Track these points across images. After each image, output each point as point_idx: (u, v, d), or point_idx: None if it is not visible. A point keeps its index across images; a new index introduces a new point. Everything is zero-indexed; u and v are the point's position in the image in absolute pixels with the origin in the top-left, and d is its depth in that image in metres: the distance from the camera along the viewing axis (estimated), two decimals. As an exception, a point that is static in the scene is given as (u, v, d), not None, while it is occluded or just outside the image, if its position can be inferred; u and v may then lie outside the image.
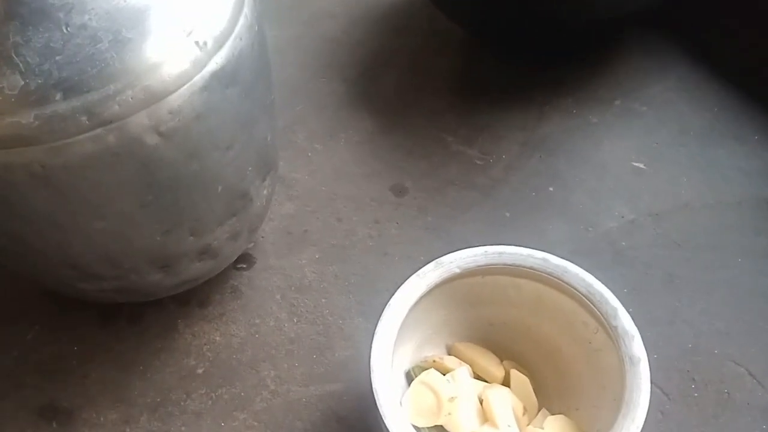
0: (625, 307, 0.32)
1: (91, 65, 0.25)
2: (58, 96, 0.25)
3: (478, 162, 0.46)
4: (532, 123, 0.48)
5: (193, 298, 0.40)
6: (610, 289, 0.32)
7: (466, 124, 0.48)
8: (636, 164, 0.45)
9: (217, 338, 0.39)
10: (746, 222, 0.42)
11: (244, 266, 0.41)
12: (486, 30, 0.50)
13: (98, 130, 0.26)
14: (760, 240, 0.41)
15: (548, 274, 0.34)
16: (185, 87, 0.27)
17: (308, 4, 0.56)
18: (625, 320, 0.32)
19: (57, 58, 0.25)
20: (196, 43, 0.27)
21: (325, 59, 0.52)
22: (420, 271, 0.34)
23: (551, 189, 0.44)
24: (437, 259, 0.34)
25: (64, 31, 0.25)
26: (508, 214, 0.43)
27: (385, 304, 0.31)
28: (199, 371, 0.37)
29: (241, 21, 0.29)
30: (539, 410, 0.34)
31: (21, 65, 0.25)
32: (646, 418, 0.28)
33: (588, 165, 0.46)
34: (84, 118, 0.25)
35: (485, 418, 0.33)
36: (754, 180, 0.44)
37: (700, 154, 0.45)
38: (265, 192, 0.37)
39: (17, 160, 0.25)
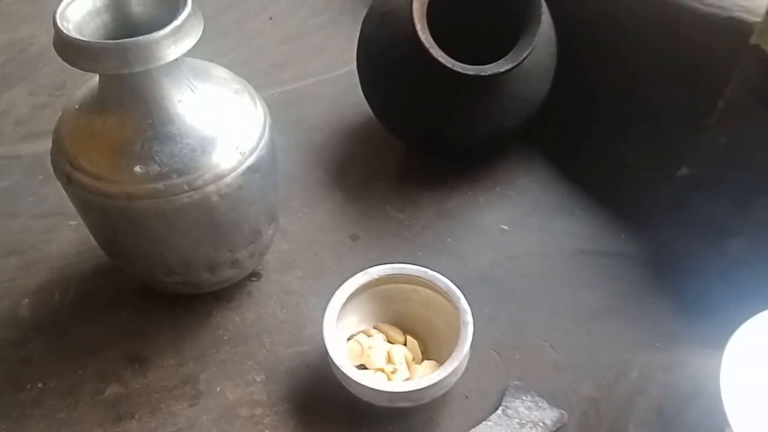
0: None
1: (190, 162, 0.51)
2: (174, 176, 0.51)
3: (406, 223, 0.72)
4: (442, 200, 0.75)
5: (223, 296, 0.65)
6: (475, 299, 0.56)
7: (400, 199, 0.75)
8: (503, 227, 0.72)
9: (237, 319, 0.64)
10: (564, 263, 0.68)
11: (255, 279, 0.67)
12: (413, 141, 0.78)
13: (190, 192, 0.52)
14: (570, 273, 0.67)
15: (428, 281, 0.59)
16: (234, 173, 0.53)
17: (304, 121, 0.84)
18: (464, 303, 0.57)
19: (175, 158, 0.51)
20: (240, 152, 0.54)
21: (313, 158, 0.80)
22: (352, 277, 0.59)
23: (449, 240, 0.70)
24: (365, 270, 0.60)
25: (179, 146, 0.52)
26: (420, 254, 0.69)
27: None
28: (225, 338, 0.62)
29: (264, 139, 0.56)
30: (422, 360, 0.59)
31: (158, 161, 0.51)
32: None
33: (473, 227, 0.72)
34: (185, 186, 0.51)
35: (389, 360, 0.58)
36: (573, 238, 0.70)
37: (543, 222, 0.72)
38: (270, 233, 0.63)
39: (151, 205, 0.51)
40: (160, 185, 0.51)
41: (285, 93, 0.89)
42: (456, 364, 0.53)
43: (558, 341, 0.61)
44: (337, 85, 0.90)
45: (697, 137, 0.61)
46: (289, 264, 0.68)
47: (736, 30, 0.57)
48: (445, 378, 0.53)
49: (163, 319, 0.63)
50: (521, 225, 0.72)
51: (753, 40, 0.53)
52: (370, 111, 0.78)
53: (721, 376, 0.41)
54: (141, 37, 0.47)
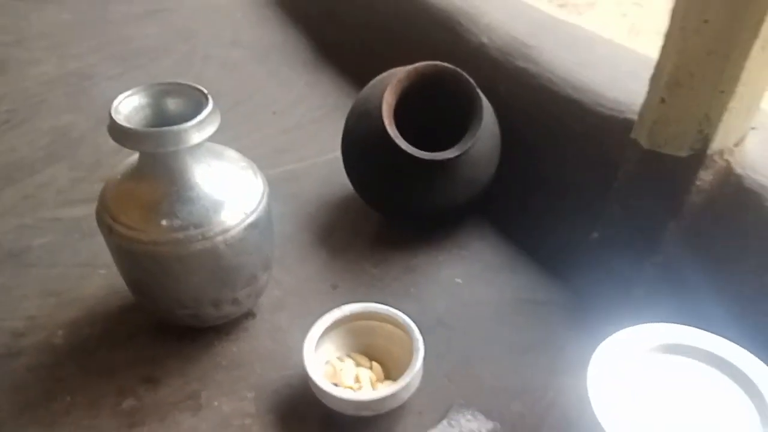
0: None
1: (205, 218, 0.67)
2: (191, 228, 0.67)
3: (378, 276, 0.87)
4: (408, 258, 0.90)
5: (223, 330, 0.79)
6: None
7: (375, 258, 0.90)
8: (458, 280, 0.87)
9: (234, 349, 0.78)
10: (506, 309, 0.82)
11: (251, 317, 0.81)
12: (386, 211, 0.95)
13: (204, 241, 0.67)
14: (512, 318, 0.81)
15: (390, 317, 0.74)
16: (238, 228, 0.69)
17: (298, 195, 1.02)
18: (417, 333, 0.71)
19: (193, 215, 0.67)
20: (244, 213, 0.70)
21: (304, 224, 0.96)
22: (329, 312, 0.74)
23: (412, 290, 0.85)
24: (339, 307, 0.74)
25: (196, 206, 0.68)
26: (389, 300, 0.83)
27: (312, 323, 0.72)
28: (224, 364, 0.76)
29: (262, 204, 0.72)
30: (384, 380, 0.73)
31: (180, 217, 0.67)
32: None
33: (433, 280, 0.87)
34: (200, 236, 0.67)
35: (357, 380, 0.71)
36: (514, 289, 0.85)
37: (491, 277, 0.87)
38: (265, 277, 0.78)
39: (173, 250, 0.67)
40: (180, 235, 0.67)
41: (285, 172, 1.07)
42: (408, 379, 0.67)
43: (496, 370, 0.75)
44: (327, 167, 1.08)
45: (602, 209, 0.77)
46: (280, 306, 0.83)
47: (628, 127, 0.74)
48: (400, 391, 0.66)
49: (173, 347, 0.77)
50: (473, 279, 0.87)
51: (632, 135, 0.70)
52: (352, 187, 0.95)
53: (588, 378, 0.54)
54: (173, 127, 0.64)
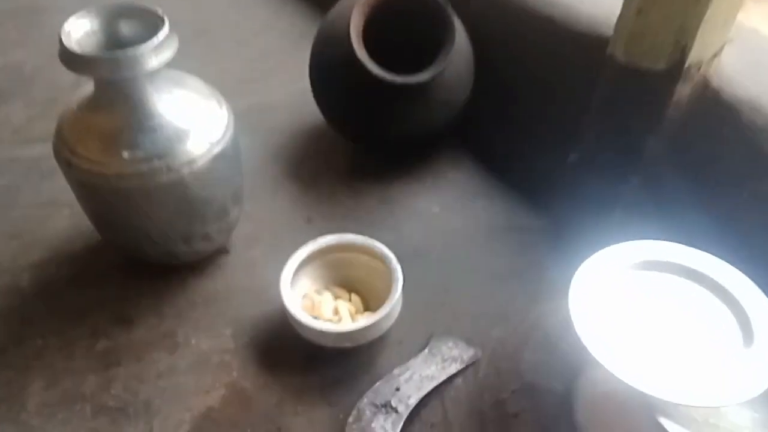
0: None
1: (169, 149, 0.64)
2: (155, 159, 0.63)
3: (353, 207, 0.86)
4: (383, 188, 0.88)
5: (197, 267, 0.77)
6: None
7: (349, 189, 0.88)
8: (434, 210, 0.85)
9: (209, 286, 0.76)
10: (482, 236, 0.81)
11: (224, 254, 0.79)
12: (358, 141, 0.92)
13: (169, 173, 0.64)
14: (486, 243, 0.80)
15: (367, 247, 0.72)
16: (204, 158, 0.65)
17: (266, 125, 0.98)
18: (395, 263, 0.69)
19: (156, 145, 0.64)
20: (210, 142, 0.66)
21: (273, 155, 0.93)
22: (304, 245, 0.72)
23: (389, 220, 0.84)
24: (314, 239, 0.72)
25: (158, 135, 0.64)
26: (365, 232, 0.82)
27: (286, 255, 0.70)
28: (199, 301, 0.74)
29: (228, 133, 0.68)
30: (364, 311, 0.72)
31: (141, 148, 0.63)
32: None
33: (409, 210, 0.85)
34: (164, 168, 0.63)
35: (335, 312, 0.70)
36: (489, 216, 0.83)
37: (468, 205, 0.85)
38: (236, 211, 0.76)
39: (137, 183, 0.63)
40: (144, 167, 0.63)
41: (252, 104, 1.02)
42: (388, 309, 0.66)
43: (476, 298, 0.74)
44: (295, 97, 1.03)
45: (579, 129, 0.75)
46: (254, 241, 0.81)
47: (604, 44, 0.71)
48: (380, 321, 0.65)
49: (146, 286, 0.75)
50: (450, 208, 0.85)
51: (608, 51, 0.68)
52: (322, 117, 0.91)
53: (569, 298, 0.54)
54: (128, 50, 0.60)
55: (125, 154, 0.63)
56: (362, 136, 0.90)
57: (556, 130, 0.81)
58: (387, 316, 0.66)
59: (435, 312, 0.73)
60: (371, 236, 0.72)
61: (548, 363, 0.62)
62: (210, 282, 0.76)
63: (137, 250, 0.73)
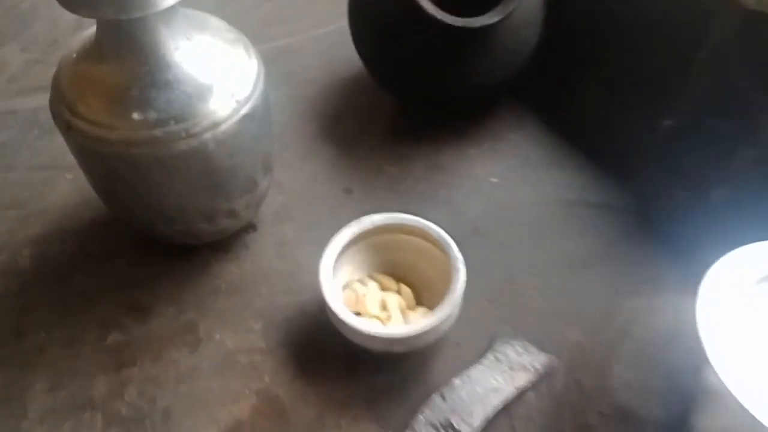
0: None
1: (188, 109, 0.52)
2: (172, 122, 0.51)
3: (398, 176, 0.73)
4: (434, 153, 0.76)
5: (220, 247, 0.66)
6: (467, 248, 0.57)
7: (393, 154, 0.75)
8: (493, 180, 0.73)
9: (234, 269, 0.65)
10: (552, 213, 0.69)
11: (251, 230, 0.68)
12: (405, 96, 0.79)
13: (188, 139, 0.52)
14: (558, 222, 0.68)
15: (421, 229, 0.61)
16: (230, 121, 0.54)
17: (295, 75, 0.85)
18: (455, 250, 0.58)
19: (172, 104, 0.52)
20: (236, 101, 0.54)
21: (305, 111, 0.80)
22: (346, 226, 0.61)
23: (440, 192, 0.72)
24: (359, 218, 0.61)
25: (176, 93, 0.52)
26: (413, 207, 0.69)
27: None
28: (223, 287, 0.64)
29: (257, 92, 0.56)
30: (416, 306, 0.61)
31: (156, 108, 0.51)
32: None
33: (464, 179, 0.73)
34: (183, 133, 0.52)
35: (383, 307, 0.60)
36: (561, 190, 0.71)
37: (532, 175, 0.73)
38: (266, 183, 0.64)
39: (150, 151, 0.52)
40: (158, 131, 0.52)
41: (276, 48, 0.89)
42: (449, 310, 0.55)
43: (546, 289, 0.63)
44: (328, 40, 0.90)
45: (680, 89, 0.62)
46: (285, 216, 0.70)
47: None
48: (440, 323, 0.54)
49: (162, 269, 0.65)
50: (511, 178, 0.73)
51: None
52: (362, 65, 0.78)
53: (697, 315, 0.43)
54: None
55: (135, 116, 0.51)
56: (411, 91, 0.77)
57: (647, 88, 0.67)
58: (447, 317, 0.55)
59: (497, 306, 0.62)
60: (420, 212, 0.60)
61: (647, 383, 0.51)
62: (235, 265, 0.65)
63: (150, 229, 0.62)
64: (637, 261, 0.64)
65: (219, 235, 0.64)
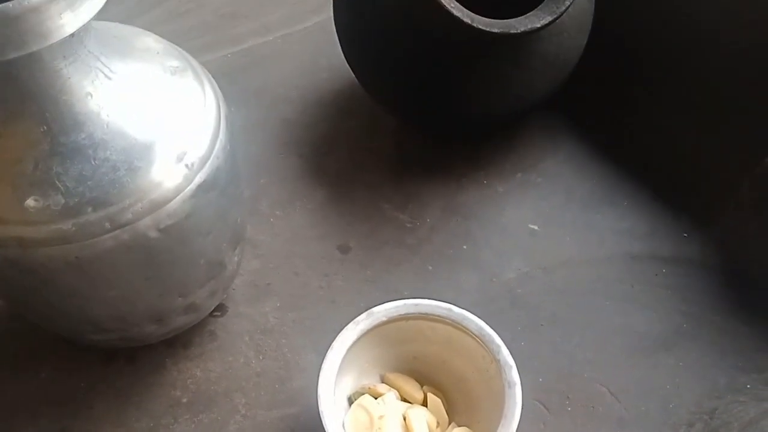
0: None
1: (112, 187, 0.34)
2: (89, 209, 0.34)
3: (408, 225, 0.57)
4: (451, 192, 0.59)
5: (178, 341, 0.49)
6: (506, 327, 0.43)
7: (399, 194, 0.59)
8: (531, 226, 0.57)
9: (198, 373, 0.48)
10: (613, 273, 0.53)
11: (219, 314, 0.51)
12: (411, 116, 0.61)
13: (116, 232, 0.35)
14: (622, 287, 0.53)
15: (452, 321, 0.45)
16: (179, 197, 0.37)
17: (268, 90, 0.66)
18: (506, 354, 0.43)
19: (88, 183, 0.34)
20: (186, 165, 0.37)
21: (283, 138, 0.63)
22: (355, 320, 0.44)
23: (465, 247, 0.55)
24: (369, 310, 0.44)
25: (92, 163, 0.34)
26: (430, 268, 0.54)
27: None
28: (184, 400, 0.47)
29: (218, 145, 0.39)
30: (449, 424, 0.45)
31: (62, 189, 0.34)
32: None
33: (494, 227, 0.57)
34: (107, 224, 0.35)
35: (407, 431, 0.44)
36: (622, 238, 0.55)
37: (581, 217, 0.57)
38: (236, 258, 0.47)
39: (58, 254, 0.35)
40: (67, 225, 0.34)
41: (240, 53, 0.70)
42: (502, 441, 0.39)
43: (618, 384, 0.48)
44: (307, 41, 0.71)
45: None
46: (263, 290, 0.52)
47: None
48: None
49: (99, 377, 0.47)
50: (554, 222, 0.57)
51: None
52: (353, 76, 0.60)
53: None
54: (9, 4, 0.29)
55: (30, 203, 0.34)
56: (420, 110, 0.59)
57: (743, 113, 0.51)
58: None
59: (557, 413, 0.47)
60: (440, 274, 0.46)
61: None
62: (199, 367, 0.48)
63: (78, 339, 0.45)
64: (734, 342, 0.49)
65: (174, 332, 0.47)
